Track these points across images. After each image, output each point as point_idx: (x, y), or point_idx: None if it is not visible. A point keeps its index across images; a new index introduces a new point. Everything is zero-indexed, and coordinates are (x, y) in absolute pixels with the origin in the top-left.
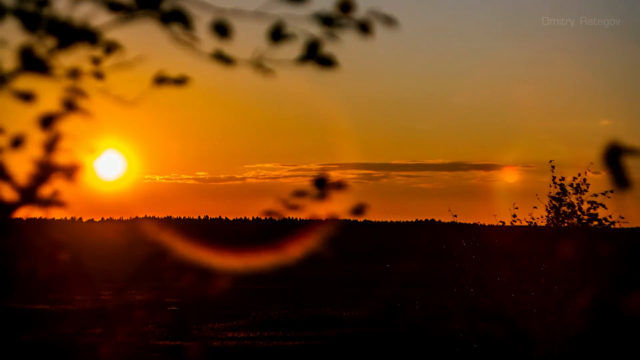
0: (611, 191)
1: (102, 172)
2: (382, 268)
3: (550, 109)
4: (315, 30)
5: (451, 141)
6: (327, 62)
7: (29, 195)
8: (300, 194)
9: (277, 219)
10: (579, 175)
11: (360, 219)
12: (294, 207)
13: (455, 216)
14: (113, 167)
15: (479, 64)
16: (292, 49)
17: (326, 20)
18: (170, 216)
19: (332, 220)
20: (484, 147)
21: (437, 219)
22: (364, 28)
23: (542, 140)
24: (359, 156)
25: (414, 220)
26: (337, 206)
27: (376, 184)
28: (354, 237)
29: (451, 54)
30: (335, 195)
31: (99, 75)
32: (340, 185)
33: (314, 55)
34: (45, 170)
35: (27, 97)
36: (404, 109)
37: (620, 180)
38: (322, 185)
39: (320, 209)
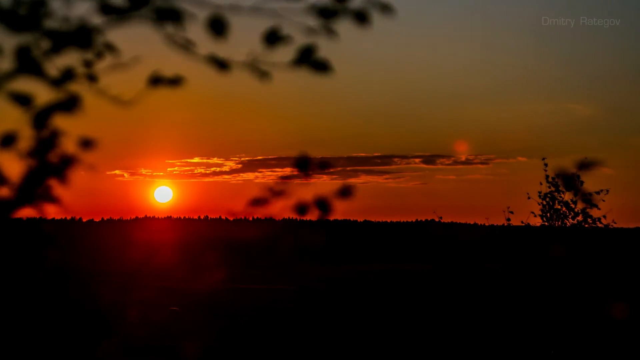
0: (606, 191)
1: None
2: (382, 268)
3: (551, 108)
4: (312, 23)
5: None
6: (321, 67)
7: (25, 194)
8: (285, 178)
9: (276, 218)
10: (572, 174)
11: (348, 198)
12: (279, 193)
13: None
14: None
15: (477, 63)
16: (288, 51)
17: (323, 12)
18: (170, 216)
19: (323, 213)
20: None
21: (436, 219)
22: (361, 17)
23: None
24: (321, 150)
25: (414, 220)
26: (323, 189)
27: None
28: (353, 237)
29: (450, 53)
30: (320, 176)
31: (92, 78)
32: (324, 165)
33: (308, 59)
34: (40, 169)
35: (23, 100)
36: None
37: (580, 195)
38: (305, 166)
39: (307, 194)
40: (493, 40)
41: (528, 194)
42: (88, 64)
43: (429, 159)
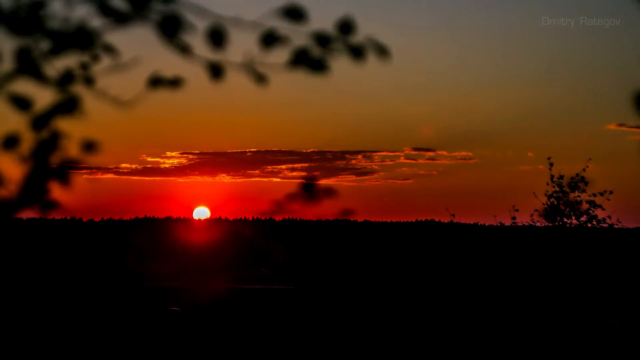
0: (610, 192)
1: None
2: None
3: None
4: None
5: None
6: (317, 66)
7: (26, 196)
8: (292, 197)
9: (277, 219)
10: (577, 175)
11: (351, 218)
12: (286, 211)
13: (453, 215)
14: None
15: (478, 63)
16: (283, 54)
17: (322, 40)
18: (170, 216)
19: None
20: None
21: (436, 219)
22: (358, 53)
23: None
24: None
25: (413, 220)
26: (325, 210)
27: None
28: (352, 238)
29: (450, 53)
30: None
31: (88, 81)
32: (329, 192)
33: (304, 59)
34: (41, 172)
35: (23, 104)
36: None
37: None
38: (311, 190)
39: (310, 212)
40: (492, 39)
41: (535, 193)
42: (84, 66)
43: (409, 155)
